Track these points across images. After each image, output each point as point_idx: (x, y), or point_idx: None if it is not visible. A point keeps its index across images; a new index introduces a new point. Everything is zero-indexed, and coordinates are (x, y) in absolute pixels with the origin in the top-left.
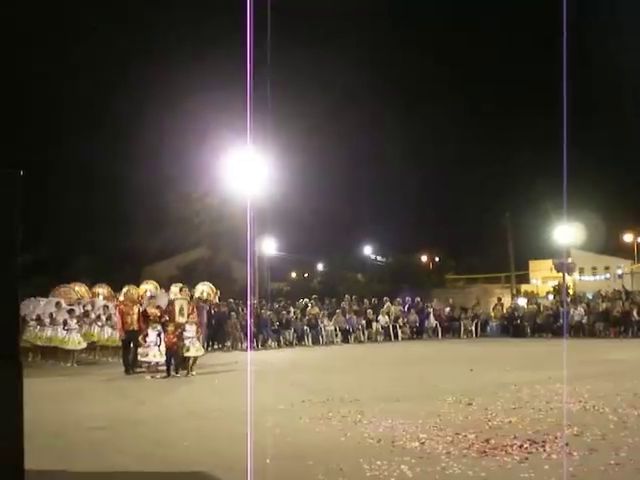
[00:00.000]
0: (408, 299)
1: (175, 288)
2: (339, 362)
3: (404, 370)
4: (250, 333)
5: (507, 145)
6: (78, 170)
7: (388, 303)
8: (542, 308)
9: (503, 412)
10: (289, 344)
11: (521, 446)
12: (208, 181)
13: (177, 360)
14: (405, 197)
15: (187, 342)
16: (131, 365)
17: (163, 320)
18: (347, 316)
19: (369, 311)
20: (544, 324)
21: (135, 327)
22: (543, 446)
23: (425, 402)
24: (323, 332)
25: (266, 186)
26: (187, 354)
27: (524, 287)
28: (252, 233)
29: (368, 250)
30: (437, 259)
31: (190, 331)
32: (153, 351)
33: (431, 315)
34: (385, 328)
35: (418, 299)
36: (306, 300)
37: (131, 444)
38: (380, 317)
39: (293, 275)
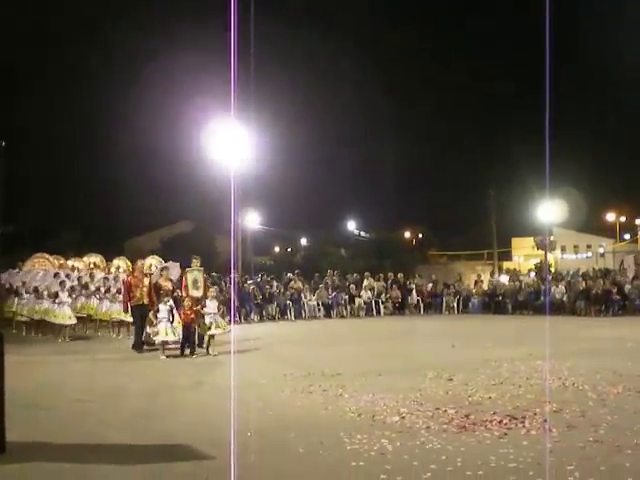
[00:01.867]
0: (390, 275)
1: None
2: (321, 337)
3: (386, 345)
4: (233, 307)
5: (492, 123)
6: (60, 141)
7: (370, 279)
8: (523, 285)
9: (483, 388)
10: (272, 318)
11: (500, 422)
12: (192, 154)
13: (193, 339)
14: (390, 174)
15: (208, 319)
16: (140, 342)
17: (175, 294)
18: (330, 291)
19: (352, 286)
20: (525, 301)
21: (145, 301)
22: (522, 422)
23: (406, 377)
24: (306, 307)
25: (250, 160)
26: (209, 332)
27: (506, 264)
28: (235, 207)
29: (352, 226)
30: (420, 235)
31: (211, 307)
32: (164, 329)
33: (413, 291)
34: (368, 303)
35: (401, 275)
36: (289, 275)
37: (115, 417)
38: (363, 292)
39: (276, 250)
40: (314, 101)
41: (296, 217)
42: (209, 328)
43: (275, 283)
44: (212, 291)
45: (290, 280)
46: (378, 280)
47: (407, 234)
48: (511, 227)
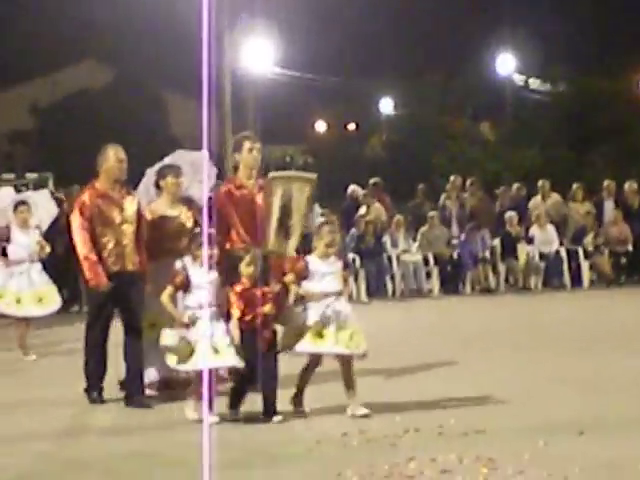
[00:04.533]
0: (608, 184)
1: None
2: (434, 341)
3: (589, 361)
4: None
5: None
6: None
7: (554, 196)
8: None
9: None
10: None
11: None
12: None
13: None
14: None
15: (319, 311)
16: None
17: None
18: (456, 228)
19: (509, 215)
20: None
21: (131, 264)
22: None
23: None
24: (396, 267)
25: None
26: (301, 347)
27: None
28: (211, 26)
29: (506, 66)
30: None
31: (328, 278)
32: (204, 338)
33: None
34: (549, 257)
35: (633, 185)
36: (353, 188)
37: None
38: (535, 229)
39: (320, 128)
40: None
41: (369, 53)
42: (319, 335)
43: (318, 210)
44: (331, 233)
45: (357, 201)
46: (573, 199)
47: None
48: None
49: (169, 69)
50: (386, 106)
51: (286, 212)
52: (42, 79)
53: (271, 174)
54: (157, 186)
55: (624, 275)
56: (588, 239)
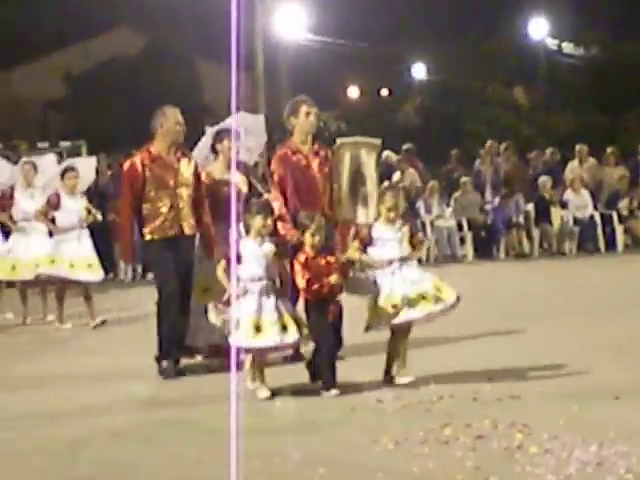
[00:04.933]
0: None
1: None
2: (469, 306)
3: (637, 324)
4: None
5: None
6: None
7: (590, 160)
8: None
9: None
10: None
11: None
12: None
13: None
14: None
15: (376, 290)
16: (172, 347)
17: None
18: (490, 193)
19: (542, 180)
20: None
21: (190, 228)
22: None
23: None
24: (429, 233)
25: None
26: (398, 318)
27: None
28: None
29: (538, 30)
30: None
31: (391, 244)
32: (254, 313)
33: None
34: (583, 222)
35: None
36: (387, 153)
37: None
38: (570, 194)
39: (353, 94)
40: None
41: (400, 18)
42: (395, 309)
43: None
44: (394, 197)
45: (391, 167)
46: (607, 163)
47: None
48: None
49: (202, 36)
50: (419, 71)
51: (359, 179)
52: (75, 47)
53: (339, 140)
54: (213, 149)
55: None
56: (623, 203)
